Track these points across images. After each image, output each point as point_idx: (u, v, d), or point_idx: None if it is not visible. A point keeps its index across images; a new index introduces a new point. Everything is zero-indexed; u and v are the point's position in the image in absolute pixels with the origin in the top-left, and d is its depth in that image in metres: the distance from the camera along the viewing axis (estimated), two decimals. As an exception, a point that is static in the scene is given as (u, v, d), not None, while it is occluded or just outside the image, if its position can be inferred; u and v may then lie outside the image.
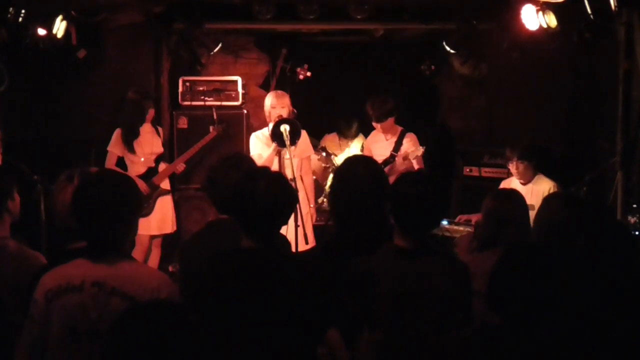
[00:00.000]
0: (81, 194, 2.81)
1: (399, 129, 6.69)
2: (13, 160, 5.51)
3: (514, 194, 3.96)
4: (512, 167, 6.12)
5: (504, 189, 4.24)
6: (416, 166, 6.39)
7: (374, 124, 6.62)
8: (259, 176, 3.10)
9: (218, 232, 3.61)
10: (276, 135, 5.75)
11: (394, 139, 6.65)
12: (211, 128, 7.18)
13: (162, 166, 6.76)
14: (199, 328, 2.14)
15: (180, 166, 6.85)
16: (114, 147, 6.59)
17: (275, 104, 6.04)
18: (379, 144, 6.74)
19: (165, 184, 6.78)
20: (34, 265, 3.26)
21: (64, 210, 3.10)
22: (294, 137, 5.74)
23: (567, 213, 3.26)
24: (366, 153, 6.84)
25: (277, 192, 3.05)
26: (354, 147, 8.06)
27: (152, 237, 6.72)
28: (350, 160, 3.84)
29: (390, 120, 6.57)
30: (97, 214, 2.74)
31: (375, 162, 3.99)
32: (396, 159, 6.44)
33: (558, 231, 3.19)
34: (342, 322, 3.14)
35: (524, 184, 6.11)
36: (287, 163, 5.77)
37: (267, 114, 6.11)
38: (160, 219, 6.69)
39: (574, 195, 5.10)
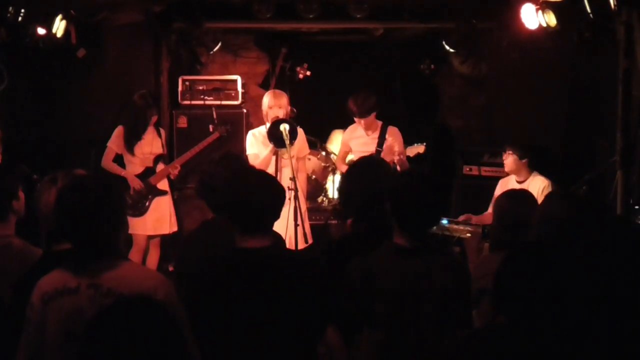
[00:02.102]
0: (61, 200, 2.79)
1: (379, 123, 6.44)
2: (13, 160, 5.52)
3: (526, 194, 3.93)
4: (504, 158, 6.24)
5: (516, 190, 4.22)
6: (399, 168, 6.28)
7: (356, 119, 6.38)
8: (243, 175, 3.12)
9: (214, 231, 3.62)
10: (273, 137, 5.74)
11: (376, 134, 6.41)
12: (211, 128, 7.18)
13: (160, 167, 6.77)
14: (181, 327, 2.13)
15: (175, 170, 6.83)
16: (114, 144, 6.60)
17: (272, 103, 6.02)
18: (358, 140, 6.49)
19: (163, 185, 6.78)
20: None
21: (48, 211, 3.10)
22: (291, 137, 5.74)
23: (566, 211, 3.26)
24: (344, 149, 6.67)
25: (267, 188, 3.07)
26: None
27: (149, 237, 6.72)
28: (364, 161, 3.84)
29: (373, 115, 6.34)
30: (78, 219, 2.73)
31: (386, 162, 4.01)
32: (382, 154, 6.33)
33: (557, 229, 3.18)
34: (341, 321, 3.15)
35: (519, 182, 6.14)
36: (285, 163, 5.78)
37: (264, 113, 6.10)
38: (157, 219, 6.69)
39: (571, 193, 5.11)
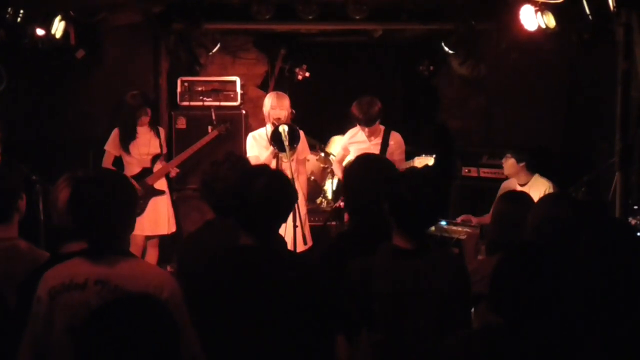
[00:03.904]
0: (77, 195, 2.82)
1: (382, 128, 6.35)
2: (12, 160, 5.52)
3: (524, 196, 3.93)
4: (503, 162, 6.24)
5: (514, 192, 4.21)
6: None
7: (360, 126, 6.30)
8: (258, 174, 3.10)
9: (215, 231, 3.62)
10: (275, 140, 5.74)
11: (378, 140, 6.32)
12: (210, 128, 7.17)
13: (158, 166, 6.77)
14: (179, 327, 2.14)
15: (173, 170, 6.84)
16: (111, 147, 6.63)
17: (275, 105, 6.02)
18: (359, 145, 6.35)
19: (161, 185, 6.77)
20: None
21: (63, 208, 3.11)
22: (293, 141, 5.73)
23: (561, 212, 3.26)
24: (343, 153, 6.62)
25: (277, 190, 3.06)
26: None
27: (147, 237, 6.72)
28: (364, 158, 3.83)
29: (377, 122, 6.26)
30: (93, 214, 2.75)
31: (390, 161, 3.99)
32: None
33: (553, 231, 3.19)
34: (341, 322, 3.14)
35: (521, 185, 6.13)
36: (285, 165, 5.77)
37: (266, 114, 6.10)
38: (154, 219, 6.68)
39: (567, 195, 5.12)
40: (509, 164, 6.22)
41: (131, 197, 2.91)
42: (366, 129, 6.27)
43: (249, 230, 3.04)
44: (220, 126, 7.14)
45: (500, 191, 6.30)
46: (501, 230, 3.77)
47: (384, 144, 6.31)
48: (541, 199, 3.63)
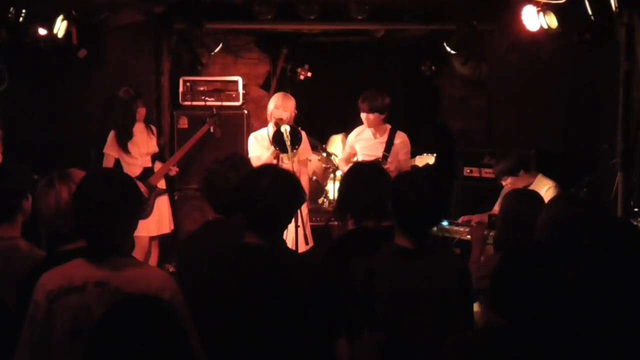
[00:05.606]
0: (82, 194, 2.77)
1: (388, 127, 6.36)
2: (13, 160, 5.52)
3: (534, 195, 3.91)
4: (504, 182, 6.05)
5: (525, 190, 4.17)
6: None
7: (367, 115, 6.22)
8: (265, 172, 3.09)
9: (215, 231, 3.62)
10: (277, 140, 5.74)
11: (384, 138, 6.33)
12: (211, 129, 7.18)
13: (158, 165, 6.76)
14: (185, 326, 2.14)
15: (173, 169, 6.84)
16: (110, 149, 6.57)
17: (279, 105, 6.01)
18: (365, 143, 6.39)
19: (161, 184, 6.77)
20: None
21: (50, 214, 3.08)
22: (295, 142, 5.73)
23: (570, 213, 3.25)
24: (349, 151, 6.60)
25: (285, 189, 3.05)
26: None
27: (151, 238, 6.71)
28: (364, 167, 3.83)
29: (382, 117, 6.24)
30: (98, 213, 2.71)
31: (385, 169, 4.01)
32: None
33: (561, 231, 3.18)
34: (342, 323, 3.14)
35: (524, 186, 6.10)
36: (285, 167, 5.76)
37: (269, 113, 6.09)
38: (158, 219, 6.68)
39: (576, 196, 5.10)
40: (512, 180, 6.04)
41: (137, 197, 2.88)
42: (371, 117, 6.21)
43: (254, 229, 3.03)
44: (209, 120, 7.13)
45: (504, 192, 6.26)
46: (510, 228, 3.74)
47: (389, 143, 6.33)
48: (552, 200, 3.61)
